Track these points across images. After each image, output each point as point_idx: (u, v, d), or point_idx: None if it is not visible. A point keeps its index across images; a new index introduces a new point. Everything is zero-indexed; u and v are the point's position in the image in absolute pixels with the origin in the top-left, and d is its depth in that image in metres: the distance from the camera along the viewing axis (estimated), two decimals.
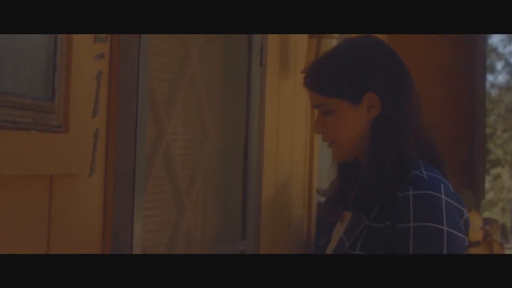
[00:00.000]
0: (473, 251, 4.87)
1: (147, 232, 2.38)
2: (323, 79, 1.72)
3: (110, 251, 2.11)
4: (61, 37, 1.88)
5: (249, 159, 3.15)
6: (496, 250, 5.24)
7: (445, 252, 1.57)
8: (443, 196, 1.61)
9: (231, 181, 3.13)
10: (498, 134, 19.13)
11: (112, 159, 2.12)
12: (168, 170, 2.61)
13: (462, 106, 5.64)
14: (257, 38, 3.18)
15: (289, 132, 3.65)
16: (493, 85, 19.56)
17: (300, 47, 3.61)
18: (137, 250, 2.17)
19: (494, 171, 18.80)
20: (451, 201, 1.62)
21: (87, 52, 1.99)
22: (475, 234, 5.04)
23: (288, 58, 3.56)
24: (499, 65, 20.06)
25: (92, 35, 2.00)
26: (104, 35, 2.06)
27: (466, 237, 1.64)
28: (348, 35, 2.36)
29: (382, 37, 1.91)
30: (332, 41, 3.40)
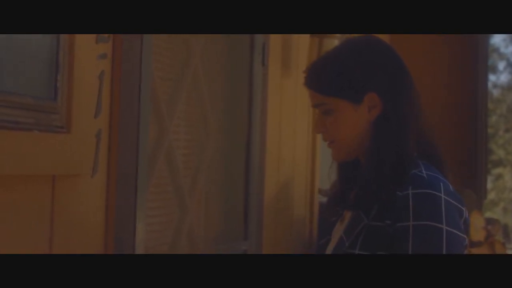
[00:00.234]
0: (475, 251, 4.86)
1: (150, 232, 2.38)
2: (323, 79, 1.73)
3: (113, 251, 2.11)
4: (64, 37, 1.89)
5: (251, 159, 3.15)
6: (498, 250, 5.22)
7: (444, 251, 1.57)
8: (442, 195, 1.61)
9: (233, 181, 3.13)
10: (500, 134, 19.08)
11: (114, 159, 2.12)
12: (170, 170, 2.61)
13: (464, 106, 5.64)
14: (259, 37, 3.18)
15: (291, 132, 3.64)
16: (495, 85, 19.49)
17: (302, 47, 3.61)
18: (139, 250, 2.17)
19: (496, 171, 18.74)
20: (451, 200, 1.62)
21: (90, 52, 1.99)
22: (477, 234, 5.04)
23: (290, 57, 3.56)
24: (501, 65, 20.00)
25: (95, 35, 2.00)
26: (106, 35, 2.06)
27: (465, 236, 1.64)
28: (349, 35, 2.36)
29: (384, 37, 1.91)
30: (334, 41, 3.40)
